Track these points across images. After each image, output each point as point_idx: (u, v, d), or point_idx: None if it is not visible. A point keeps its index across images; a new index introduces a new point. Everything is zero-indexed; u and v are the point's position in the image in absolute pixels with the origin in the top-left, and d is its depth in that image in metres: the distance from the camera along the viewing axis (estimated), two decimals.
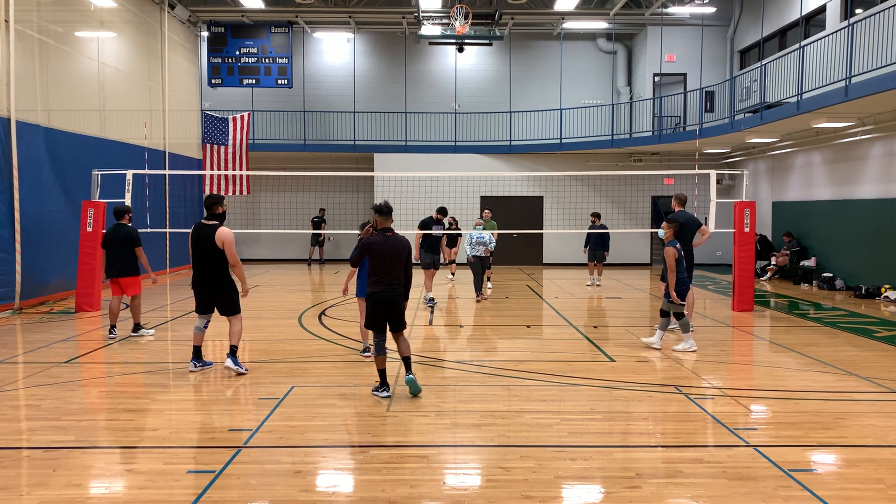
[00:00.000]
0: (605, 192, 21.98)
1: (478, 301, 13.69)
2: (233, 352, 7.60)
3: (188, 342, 9.19)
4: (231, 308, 7.68)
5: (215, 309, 7.71)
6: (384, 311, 6.66)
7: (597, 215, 16.68)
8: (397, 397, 6.76)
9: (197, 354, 7.78)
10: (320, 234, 19.50)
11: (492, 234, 14.19)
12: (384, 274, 6.65)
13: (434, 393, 6.93)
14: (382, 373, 6.74)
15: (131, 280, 9.74)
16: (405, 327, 6.88)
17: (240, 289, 7.74)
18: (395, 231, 6.85)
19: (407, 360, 6.81)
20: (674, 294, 8.86)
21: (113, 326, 9.69)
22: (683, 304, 9.04)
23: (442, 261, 17.21)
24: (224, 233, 7.45)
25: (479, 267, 13.69)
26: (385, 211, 6.81)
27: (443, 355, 8.97)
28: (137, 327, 9.88)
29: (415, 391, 6.72)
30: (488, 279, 15.49)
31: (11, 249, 11.94)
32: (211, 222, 7.53)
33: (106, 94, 15.77)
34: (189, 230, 7.84)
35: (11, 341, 9.56)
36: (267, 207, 22.83)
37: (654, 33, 21.53)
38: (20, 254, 12.05)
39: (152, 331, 10.02)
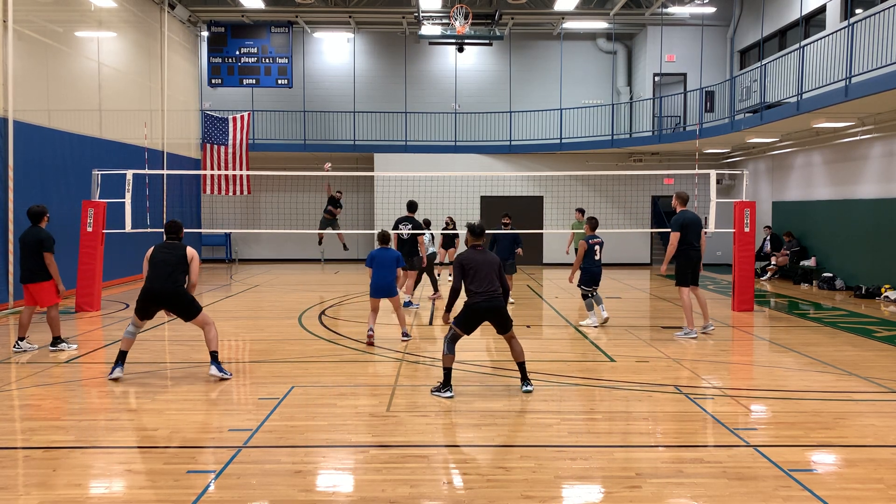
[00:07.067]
0: (605, 192, 21.98)
1: (430, 298, 13.90)
2: (214, 358, 7.48)
3: (188, 342, 9.23)
4: (192, 310, 7.49)
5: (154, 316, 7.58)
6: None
7: (509, 216, 13.96)
8: (398, 396, 6.77)
9: (121, 359, 7.37)
10: (334, 216, 19.12)
11: (434, 233, 13.82)
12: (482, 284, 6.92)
13: (437, 400, 6.92)
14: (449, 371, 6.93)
15: (38, 286, 8.74)
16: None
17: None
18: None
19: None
20: (573, 279, 10.76)
21: (20, 339, 8.82)
22: (591, 289, 10.86)
23: (440, 260, 17.13)
24: (194, 252, 7.63)
25: (429, 265, 13.83)
26: (477, 231, 7.12)
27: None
28: (56, 341, 8.83)
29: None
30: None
31: (4, 250, 11.94)
32: (177, 242, 7.63)
33: (105, 95, 15.77)
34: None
35: (11, 341, 9.55)
36: (267, 207, 22.82)
37: (654, 33, 21.53)
38: (13, 254, 12.04)
39: (75, 345, 9.00)
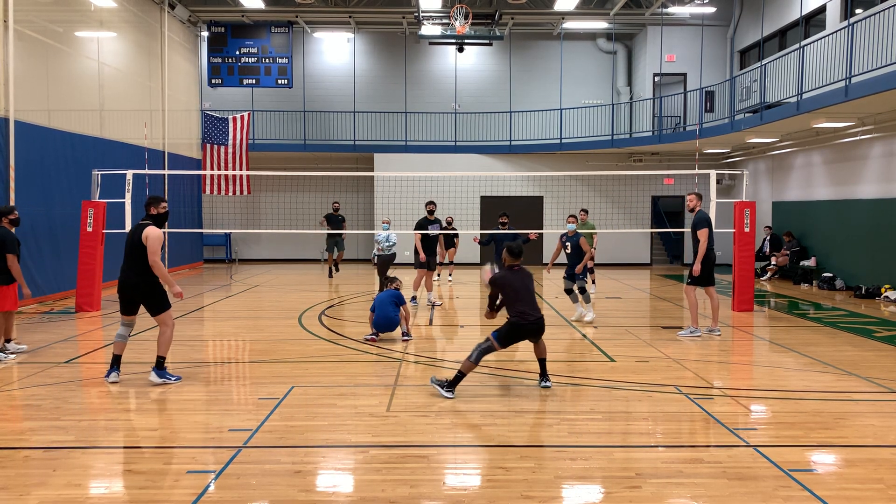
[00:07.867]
0: (605, 192, 21.98)
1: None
2: (159, 364, 7.23)
3: (188, 342, 9.23)
4: (157, 305, 7.22)
5: (137, 314, 7.35)
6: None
7: (506, 215, 13.57)
8: (398, 396, 6.77)
9: (116, 363, 7.28)
10: (341, 235, 18.98)
11: (390, 234, 13.28)
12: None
13: (434, 393, 6.92)
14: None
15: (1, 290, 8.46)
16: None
17: (168, 291, 7.25)
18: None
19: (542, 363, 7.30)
20: (579, 268, 11.25)
21: (8, 340, 8.59)
22: (585, 280, 11.38)
23: (439, 260, 17.12)
24: (150, 229, 7.15)
25: (381, 266, 13.34)
26: (515, 252, 7.23)
27: (443, 355, 8.98)
28: None
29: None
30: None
31: None
32: (144, 222, 7.31)
33: (105, 95, 15.77)
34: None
35: None
36: (267, 207, 22.83)
37: (654, 33, 21.53)
38: None
39: (10, 357, 8.40)
